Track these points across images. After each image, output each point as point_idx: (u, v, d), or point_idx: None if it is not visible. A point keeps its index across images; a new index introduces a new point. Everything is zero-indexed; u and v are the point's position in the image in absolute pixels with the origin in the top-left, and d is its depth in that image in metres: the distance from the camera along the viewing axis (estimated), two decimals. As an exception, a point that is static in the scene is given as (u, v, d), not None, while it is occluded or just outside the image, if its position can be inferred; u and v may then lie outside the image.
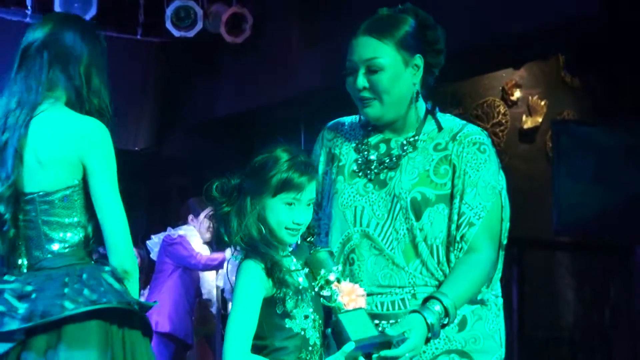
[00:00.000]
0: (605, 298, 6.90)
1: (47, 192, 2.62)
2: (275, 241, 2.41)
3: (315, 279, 2.43)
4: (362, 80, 2.48)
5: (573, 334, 7.15)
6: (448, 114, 2.62)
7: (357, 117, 2.64)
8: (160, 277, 6.38)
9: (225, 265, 6.22)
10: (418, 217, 2.44)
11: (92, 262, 2.69)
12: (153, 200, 8.71)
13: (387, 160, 2.52)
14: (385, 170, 2.51)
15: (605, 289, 6.90)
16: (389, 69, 2.46)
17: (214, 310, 6.93)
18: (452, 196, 2.46)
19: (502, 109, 8.07)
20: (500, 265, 2.53)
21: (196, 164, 7.98)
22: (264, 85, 7.01)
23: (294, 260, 2.47)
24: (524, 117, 8.23)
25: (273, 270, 2.36)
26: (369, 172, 2.53)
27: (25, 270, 2.63)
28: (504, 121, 8.01)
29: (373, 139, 2.59)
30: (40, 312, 2.48)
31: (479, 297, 2.48)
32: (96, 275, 2.58)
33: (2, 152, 2.63)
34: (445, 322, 2.36)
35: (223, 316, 6.57)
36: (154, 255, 6.61)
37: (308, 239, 2.54)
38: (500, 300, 2.59)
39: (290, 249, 2.51)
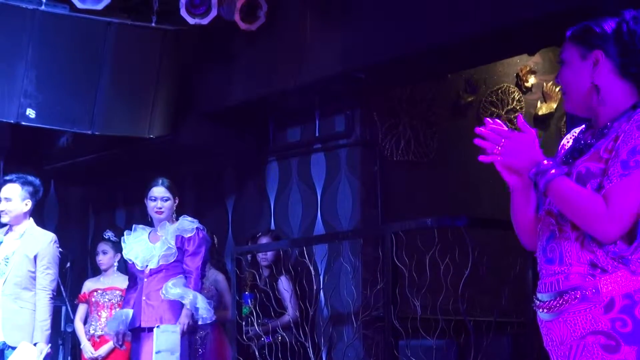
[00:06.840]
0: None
1: None
2: None
3: None
4: None
5: None
6: None
7: None
8: None
9: None
10: None
11: None
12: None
13: (582, 148, 2.67)
14: (578, 156, 2.67)
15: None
16: None
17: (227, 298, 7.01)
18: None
19: (516, 95, 8.06)
20: None
21: (211, 151, 8.01)
22: (279, 72, 7.02)
23: None
24: (538, 104, 8.21)
25: None
26: (570, 159, 2.68)
27: None
28: (518, 107, 8.00)
29: (586, 131, 2.75)
30: None
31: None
32: None
33: None
34: None
35: (238, 303, 6.61)
36: None
37: None
38: None
39: None
